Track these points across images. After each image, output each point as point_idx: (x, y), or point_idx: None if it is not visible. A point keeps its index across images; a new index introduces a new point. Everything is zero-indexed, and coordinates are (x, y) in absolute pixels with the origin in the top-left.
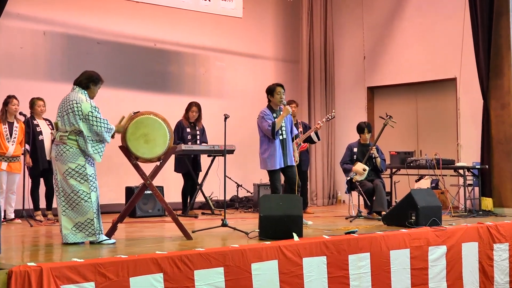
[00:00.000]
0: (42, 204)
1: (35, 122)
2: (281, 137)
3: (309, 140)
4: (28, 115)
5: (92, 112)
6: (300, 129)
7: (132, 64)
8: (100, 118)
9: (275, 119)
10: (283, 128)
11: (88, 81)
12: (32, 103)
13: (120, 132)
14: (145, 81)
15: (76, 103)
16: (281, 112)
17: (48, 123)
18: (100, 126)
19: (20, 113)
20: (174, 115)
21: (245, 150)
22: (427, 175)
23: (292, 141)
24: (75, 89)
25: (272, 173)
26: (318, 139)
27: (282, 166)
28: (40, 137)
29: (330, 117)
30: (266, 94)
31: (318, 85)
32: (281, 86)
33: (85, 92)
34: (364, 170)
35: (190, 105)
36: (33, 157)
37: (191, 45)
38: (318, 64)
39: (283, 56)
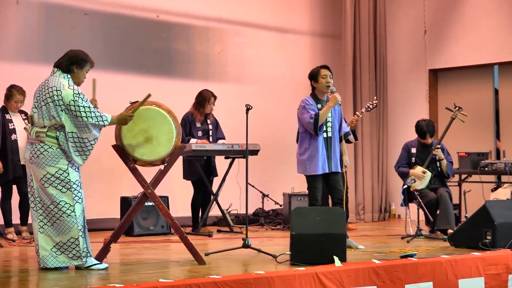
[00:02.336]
0: (15, 219)
1: (7, 116)
2: (325, 135)
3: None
4: None
5: (75, 101)
6: (345, 124)
7: (128, 40)
8: (87, 107)
9: (319, 111)
10: (329, 124)
11: (70, 63)
12: (10, 94)
13: (122, 124)
14: (145, 63)
15: (56, 90)
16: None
17: (24, 117)
18: (87, 117)
19: None
20: (182, 106)
21: (272, 150)
22: (507, 182)
23: (341, 141)
24: (55, 73)
25: (312, 180)
26: (355, 139)
27: (326, 171)
28: (13, 137)
29: (370, 106)
30: (309, 81)
31: (366, 67)
32: (327, 68)
33: (68, 76)
34: (424, 173)
35: (207, 95)
36: (3, 161)
37: (203, 17)
38: (366, 40)
39: (321, 30)
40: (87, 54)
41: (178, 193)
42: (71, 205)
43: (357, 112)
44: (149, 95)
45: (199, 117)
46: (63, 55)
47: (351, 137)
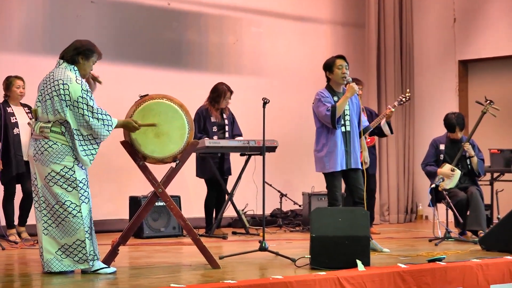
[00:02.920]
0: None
1: (9, 109)
2: (343, 129)
3: (378, 132)
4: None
5: (82, 98)
6: (364, 117)
7: (137, 30)
8: (93, 107)
9: (336, 103)
10: (347, 117)
11: (75, 53)
12: (9, 83)
13: (128, 130)
14: (155, 54)
15: (63, 84)
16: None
17: (28, 111)
18: (93, 118)
19: None
20: (194, 99)
21: (291, 147)
22: None
23: (360, 136)
24: (61, 65)
25: (331, 177)
26: (391, 132)
27: (344, 168)
28: (15, 130)
29: (403, 99)
30: (324, 72)
31: (391, 57)
32: (343, 58)
33: (75, 68)
34: (453, 171)
35: (223, 90)
36: (4, 157)
37: (217, 5)
38: (391, 29)
39: (343, 19)
40: (94, 44)
41: (191, 192)
42: (77, 205)
43: (389, 106)
44: (154, 125)
45: (214, 112)
46: (69, 45)
47: (386, 130)
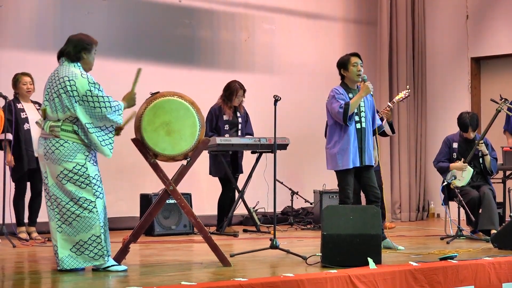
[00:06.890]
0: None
1: (19, 105)
2: (358, 126)
3: (381, 132)
4: (9, 96)
5: (91, 91)
6: (377, 116)
7: (148, 27)
8: (103, 97)
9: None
10: (362, 114)
11: (77, 50)
12: (16, 80)
13: (131, 105)
14: (166, 51)
15: (69, 80)
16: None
17: (38, 107)
18: (104, 107)
19: None
20: (205, 97)
21: (302, 144)
22: None
23: (373, 134)
24: (63, 62)
25: (343, 175)
26: (393, 132)
27: (358, 165)
28: (26, 126)
29: (403, 96)
30: (338, 69)
31: (403, 55)
32: (358, 55)
33: (78, 64)
34: (465, 168)
35: (235, 88)
36: (17, 152)
37: (229, 1)
38: (403, 27)
39: (355, 16)
40: (89, 35)
41: (202, 190)
42: (92, 201)
43: (388, 103)
44: (139, 70)
45: (227, 110)
46: (66, 44)
47: (387, 130)
